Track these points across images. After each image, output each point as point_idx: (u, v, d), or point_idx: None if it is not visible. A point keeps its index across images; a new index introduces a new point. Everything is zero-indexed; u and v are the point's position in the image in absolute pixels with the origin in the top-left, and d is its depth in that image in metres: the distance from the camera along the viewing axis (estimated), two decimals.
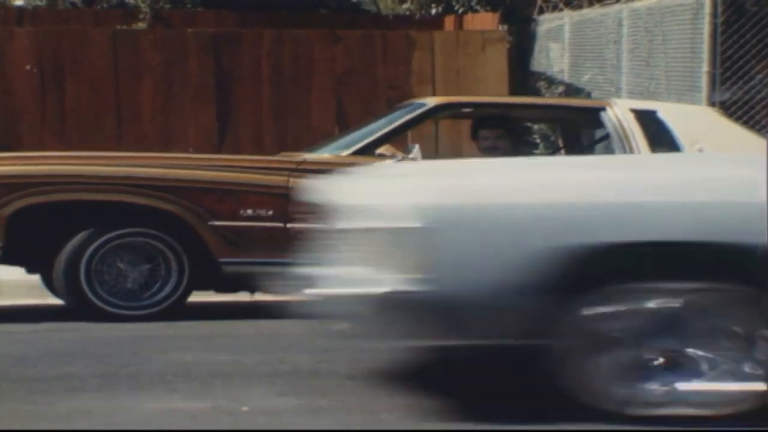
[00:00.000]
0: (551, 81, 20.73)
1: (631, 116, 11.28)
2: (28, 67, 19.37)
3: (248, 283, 10.98)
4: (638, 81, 18.58)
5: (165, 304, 10.65)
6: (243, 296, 11.62)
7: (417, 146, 10.83)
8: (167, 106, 19.38)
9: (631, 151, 11.05)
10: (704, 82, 16.79)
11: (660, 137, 11.15)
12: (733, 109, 16.95)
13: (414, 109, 11.46)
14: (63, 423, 6.94)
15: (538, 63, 21.53)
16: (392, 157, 10.74)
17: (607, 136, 11.40)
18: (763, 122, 17.07)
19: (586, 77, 20.05)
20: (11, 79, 18.80)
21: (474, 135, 11.66)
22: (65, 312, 10.97)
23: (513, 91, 19.07)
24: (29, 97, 19.26)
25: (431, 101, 11.72)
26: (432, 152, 14.20)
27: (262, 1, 24.30)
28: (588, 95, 19.56)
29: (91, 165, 10.87)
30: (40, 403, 7.41)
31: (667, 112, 11.66)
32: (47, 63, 19.57)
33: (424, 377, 8.23)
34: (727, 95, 16.96)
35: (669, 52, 17.86)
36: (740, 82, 17.01)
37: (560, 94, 19.61)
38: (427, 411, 7.21)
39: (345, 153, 11.04)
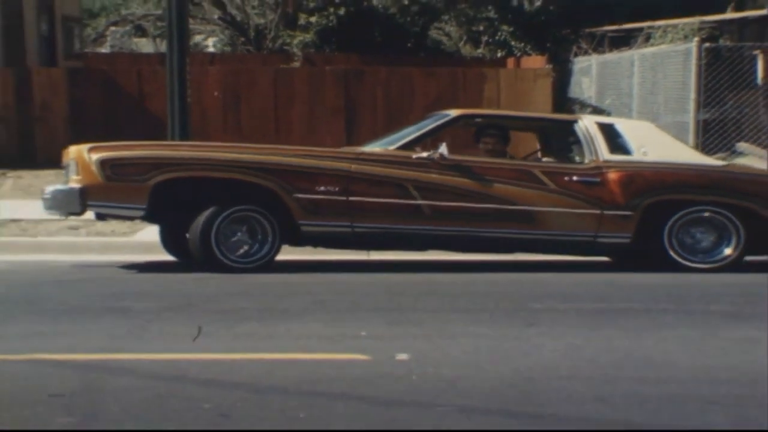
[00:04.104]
0: (582, 104, 20.64)
1: (595, 127, 10.97)
2: (215, 93, 19.57)
3: (321, 240, 10.66)
4: (645, 104, 18.45)
5: (265, 260, 10.32)
6: (359, 255, 11.54)
7: (444, 144, 10.61)
8: (311, 122, 19.51)
9: (596, 153, 10.74)
10: (692, 106, 16.65)
11: (616, 143, 10.96)
12: (711, 125, 16.82)
13: (440, 118, 11.19)
14: (239, 341, 7.01)
15: (574, 91, 21.44)
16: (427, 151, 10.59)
17: (575, 142, 11.18)
18: (733, 135, 16.92)
19: (607, 102, 19.93)
20: (204, 102, 19.02)
21: (476, 139, 11.48)
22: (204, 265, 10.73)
23: (555, 112, 18.97)
24: (216, 115, 19.47)
25: (453, 112, 11.37)
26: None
27: (380, 47, 24.36)
28: (609, 114, 19.42)
29: (210, 151, 10.66)
30: (221, 327, 7.46)
31: (622, 125, 11.41)
32: (229, 91, 19.76)
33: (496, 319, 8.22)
34: (707, 115, 16.80)
35: (667, 84, 17.73)
36: (717, 106, 16.87)
37: (589, 113, 19.49)
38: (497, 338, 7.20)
39: (392, 147, 10.77)
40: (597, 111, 19.80)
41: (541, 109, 18.78)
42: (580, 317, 8.07)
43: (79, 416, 5.25)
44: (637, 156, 10.78)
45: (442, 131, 10.98)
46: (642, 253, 10.85)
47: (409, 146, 10.74)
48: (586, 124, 10.99)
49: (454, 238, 10.60)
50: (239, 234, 10.31)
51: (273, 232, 10.34)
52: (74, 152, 10.35)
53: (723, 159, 15.75)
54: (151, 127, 17.24)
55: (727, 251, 10.66)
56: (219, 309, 8.35)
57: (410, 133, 11.04)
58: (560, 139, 11.84)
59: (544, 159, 11.61)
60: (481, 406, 5.49)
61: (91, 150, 10.26)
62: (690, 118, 16.64)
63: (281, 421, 5.20)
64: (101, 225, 12.44)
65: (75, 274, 10.30)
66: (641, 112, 18.36)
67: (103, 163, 10.13)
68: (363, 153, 10.80)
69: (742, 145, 17.15)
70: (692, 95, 16.56)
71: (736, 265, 10.63)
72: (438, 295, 9.17)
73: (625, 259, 11.05)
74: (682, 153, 11.29)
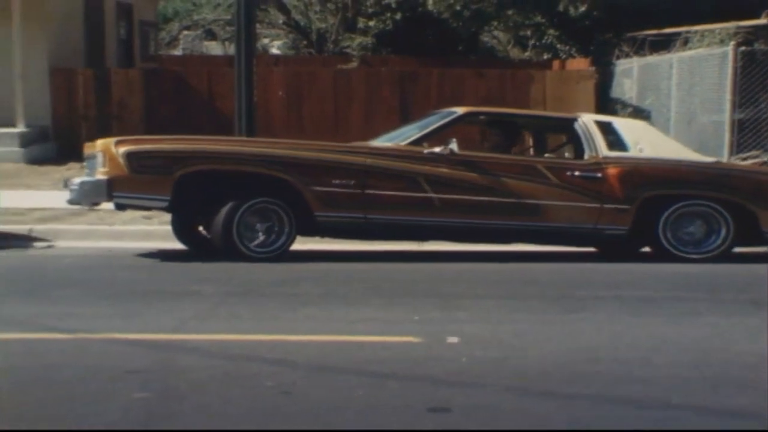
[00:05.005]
0: (624, 104, 20.46)
1: (594, 125, 10.92)
2: (280, 93, 19.62)
3: (335, 231, 10.53)
4: (683, 105, 18.26)
5: (282, 249, 10.17)
6: (410, 246, 11.52)
7: (454, 140, 10.50)
8: (368, 120, 19.48)
9: (595, 150, 10.69)
10: (728, 106, 16.47)
11: (614, 140, 10.89)
12: (746, 124, 16.64)
13: (448, 115, 11.09)
14: (300, 324, 7.03)
15: (615, 92, 21.25)
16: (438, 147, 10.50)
17: (576, 139, 10.97)
18: (766, 133, 16.73)
19: (647, 102, 19.74)
20: (269, 101, 19.07)
21: (484, 135, 11.32)
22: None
23: (597, 113, 18.82)
24: (280, 113, 19.52)
25: (459, 110, 11.26)
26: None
27: (433, 50, 24.31)
28: (649, 114, 19.26)
29: (232, 146, 10.55)
30: (284, 311, 7.51)
31: (619, 123, 11.37)
32: (291, 90, 19.81)
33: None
34: (742, 115, 16.63)
35: (704, 86, 17.54)
36: (751, 107, 16.68)
37: (629, 114, 19.33)
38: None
39: (403, 143, 10.68)
40: (637, 111, 19.62)
41: (585, 109, 18.59)
42: (621, 304, 8.03)
43: (153, 391, 5.31)
44: (633, 152, 10.78)
45: (450, 128, 10.89)
46: (632, 244, 10.81)
47: (419, 142, 10.64)
48: (586, 121, 10.94)
49: (462, 229, 10.53)
50: (258, 225, 10.18)
51: (289, 223, 10.21)
52: (101, 145, 10.26)
53: (756, 156, 15.56)
54: (220, 125, 17.31)
55: (717, 242, 10.66)
56: (280, 294, 8.39)
57: (419, 129, 10.93)
58: (561, 135, 11.79)
59: (546, 155, 11.57)
60: (526, 387, 5.49)
61: (118, 143, 10.17)
62: (726, 117, 16.47)
63: (339, 398, 5.22)
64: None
65: (148, 260, 10.40)
66: (679, 111, 18.19)
67: (130, 156, 10.03)
68: (377, 148, 10.71)
69: None
70: (728, 96, 16.37)
71: (724, 256, 10.62)
72: (486, 283, 9.16)
73: (612, 250, 11.00)
74: (675, 150, 11.35)
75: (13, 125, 17.76)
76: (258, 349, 6.22)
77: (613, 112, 19.44)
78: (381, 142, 11.13)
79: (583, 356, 6.15)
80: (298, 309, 7.59)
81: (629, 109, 19.95)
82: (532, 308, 7.78)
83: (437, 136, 10.75)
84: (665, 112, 18.54)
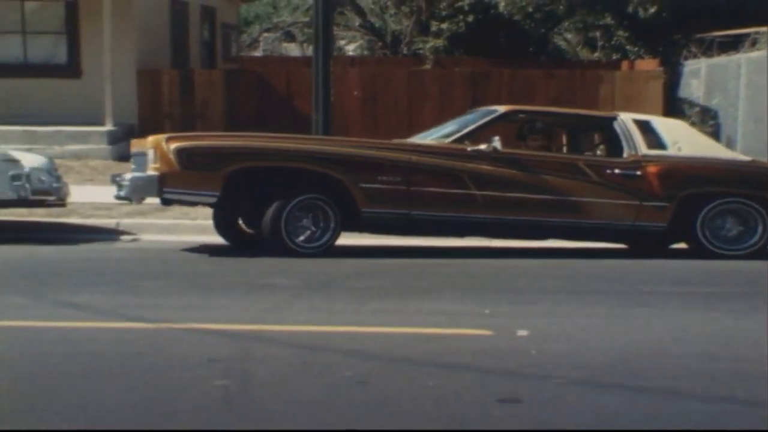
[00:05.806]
0: (691, 104, 20.23)
1: (633, 124, 10.79)
2: (355, 93, 19.69)
3: (380, 227, 10.45)
4: (751, 105, 18.02)
5: (327, 245, 10.04)
6: (481, 241, 11.49)
7: (497, 137, 10.42)
8: (440, 119, 19.34)
9: (635, 148, 10.57)
10: None
11: (652, 139, 10.75)
12: None
13: (490, 113, 10.97)
14: (375, 316, 7.06)
15: (683, 92, 21.03)
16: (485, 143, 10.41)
17: (615, 137, 10.79)
18: None
19: (714, 102, 19.51)
20: (345, 100, 19.14)
21: (524, 134, 11.14)
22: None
23: (665, 112, 18.63)
24: (355, 112, 19.59)
25: (501, 108, 11.15)
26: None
27: (504, 51, 24.23)
28: (716, 114, 19.01)
29: (281, 143, 10.42)
30: (359, 304, 7.53)
31: (657, 122, 11.23)
32: (367, 90, 19.87)
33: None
34: None
35: None
36: None
37: (696, 113, 19.10)
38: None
39: (447, 141, 10.58)
40: (704, 110, 19.40)
41: (652, 108, 18.44)
42: (687, 300, 7.94)
43: (234, 379, 5.37)
44: (672, 151, 10.68)
45: (492, 126, 10.80)
46: (664, 240, 10.74)
47: (462, 140, 10.55)
48: (625, 120, 10.85)
49: (503, 225, 10.46)
50: (305, 220, 10.11)
51: (335, 218, 10.12)
52: (152, 142, 10.21)
53: None
54: (298, 124, 17.41)
55: (754, 239, 10.55)
56: (355, 287, 8.42)
57: (462, 127, 10.83)
58: (601, 134, 11.68)
59: (586, 153, 11.46)
60: (593, 379, 5.46)
61: (168, 140, 10.13)
62: None
63: (412, 388, 5.24)
64: None
65: (228, 253, 10.50)
66: (747, 111, 17.94)
67: (180, 152, 9.97)
68: (422, 145, 10.63)
69: None
70: None
71: (760, 253, 10.46)
72: (552, 278, 9.10)
73: (642, 246, 10.89)
74: (713, 149, 11.26)
75: (102, 124, 18.05)
76: (334, 340, 6.26)
77: (680, 112, 19.25)
78: (420, 138, 11.06)
79: (649, 350, 6.10)
80: (371, 302, 7.62)
81: (696, 109, 19.73)
82: (598, 303, 7.73)
83: (480, 134, 10.66)
84: (732, 111, 18.30)
